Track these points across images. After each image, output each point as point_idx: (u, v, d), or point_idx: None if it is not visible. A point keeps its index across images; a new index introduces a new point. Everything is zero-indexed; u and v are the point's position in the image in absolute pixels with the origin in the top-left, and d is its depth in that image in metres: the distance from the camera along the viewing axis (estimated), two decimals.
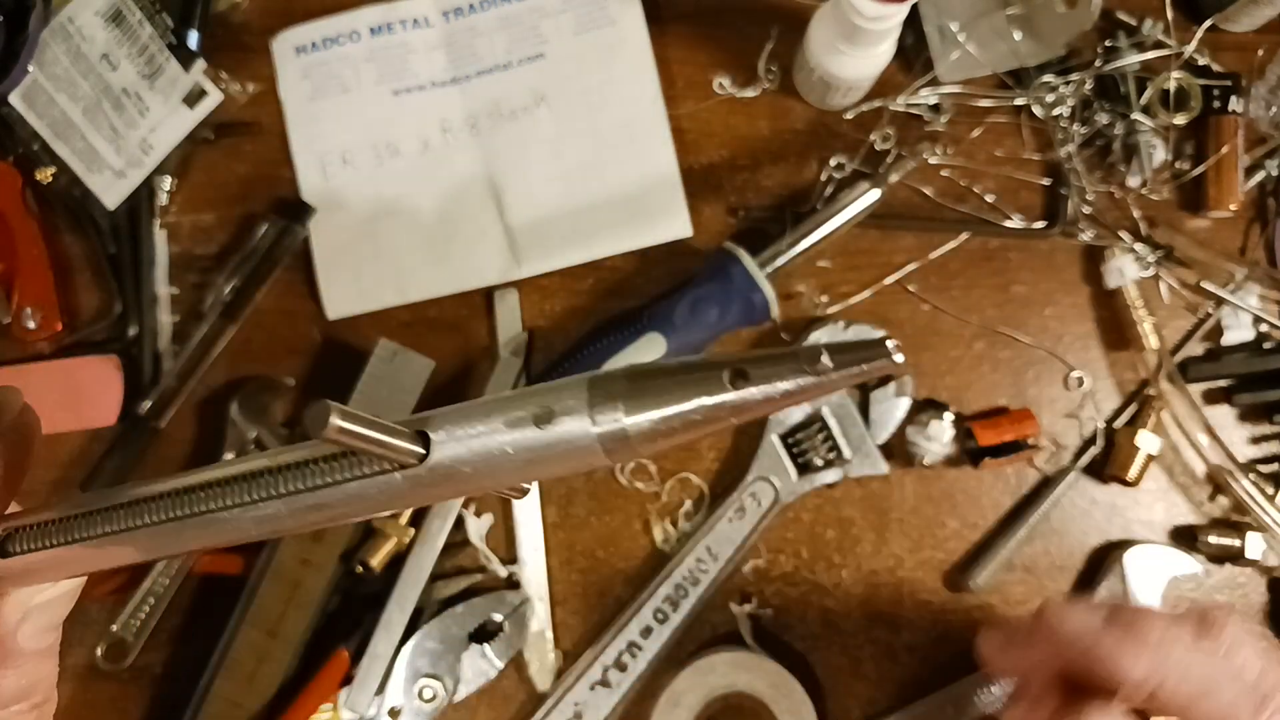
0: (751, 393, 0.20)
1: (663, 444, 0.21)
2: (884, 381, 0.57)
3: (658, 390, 0.21)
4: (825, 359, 0.20)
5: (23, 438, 0.25)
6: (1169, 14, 0.59)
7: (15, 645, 0.26)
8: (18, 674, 0.26)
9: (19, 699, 0.26)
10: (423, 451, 0.22)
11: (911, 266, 0.58)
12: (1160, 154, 0.58)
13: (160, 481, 0.24)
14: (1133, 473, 0.56)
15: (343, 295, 0.58)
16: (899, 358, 0.21)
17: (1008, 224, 0.59)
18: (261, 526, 0.23)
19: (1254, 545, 0.56)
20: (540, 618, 0.56)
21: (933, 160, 0.58)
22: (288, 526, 0.23)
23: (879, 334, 0.57)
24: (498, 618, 0.56)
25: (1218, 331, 0.58)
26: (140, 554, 0.25)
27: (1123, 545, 0.57)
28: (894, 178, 0.56)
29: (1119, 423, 0.58)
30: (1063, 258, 0.59)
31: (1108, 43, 0.59)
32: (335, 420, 0.20)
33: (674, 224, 0.58)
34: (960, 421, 0.57)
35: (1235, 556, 0.56)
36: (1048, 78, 0.58)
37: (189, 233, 0.59)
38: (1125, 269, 0.57)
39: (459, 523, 0.56)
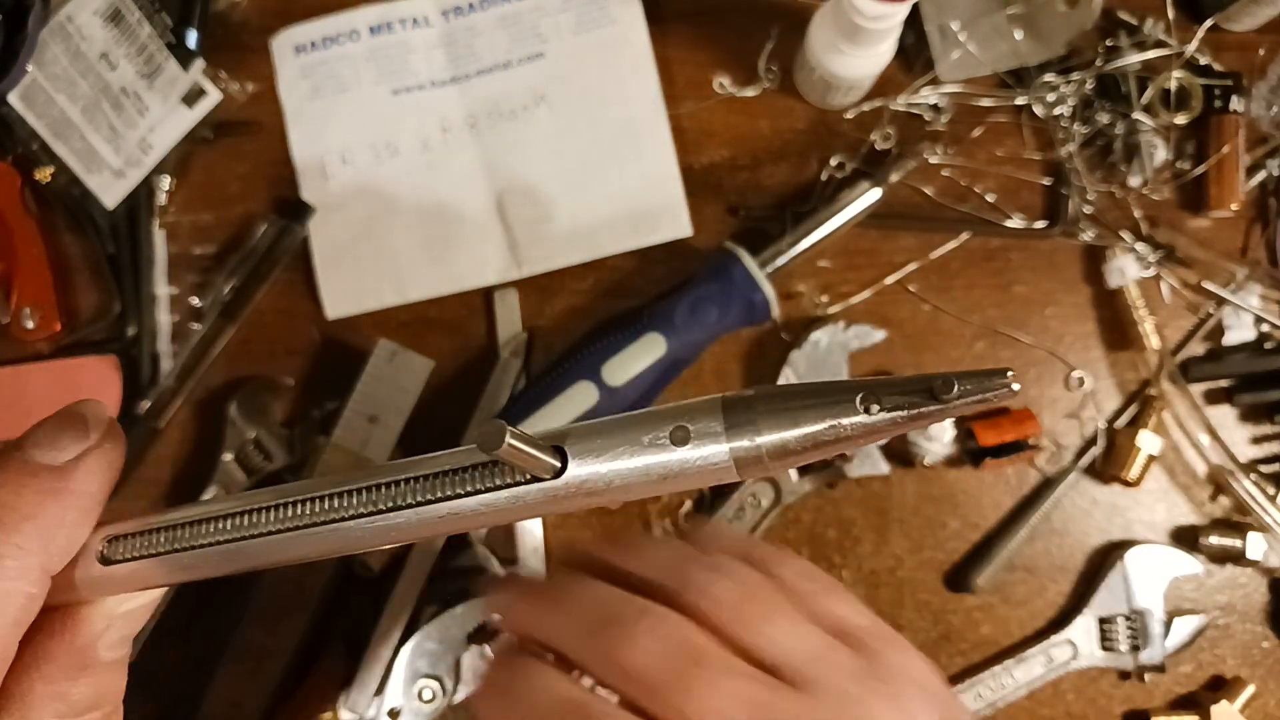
0: (881, 417, 0.21)
1: (793, 462, 0.22)
2: None
3: (790, 411, 0.21)
4: (957, 388, 0.21)
5: (116, 447, 0.25)
6: (1170, 13, 0.59)
7: (95, 655, 0.26)
8: (93, 684, 0.26)
9: (91, 709, 0.26)
10: (559, 466, 0.22)
11: (912, 266, 0.58)
12: (1161, 154, 0.58)
13: (270, 491, 0.24)
14: (1134, 473, 0.56)
15: (342, 295, 0.58)
16: (1016, 387, 0.21)
17: (1008, 224, 0.59)
18: (386, 536, 0.23)
19: (1255, 546, 0.56)
20: None
21: (933, 160, 0.58)
22: (414, 536, 0.23)
23: (880, 333, 0.57)
24: (497, 618, 0.55)
25: (1219, 331, 0.58)
26: (248, 563, 0.24)
27: (1124, 545, 0.57)
28: (894, 177, 0.56)
29: (1120, 423, 0.58)
30: (1064, 257, 0.59)
31: (1109, 42, 0.59)
32: (509, 440, 0.20)
33: (674, 223, 0.58)
34: (961, 422, 0.57)
35: (1236, 557, 0.56)
36: (1049, 77, 0.58)
37: (188, 232, 0.59)
38: (1126, 269, 0.57)
39: None
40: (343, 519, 0.23)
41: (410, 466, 0.23)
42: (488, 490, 0.23)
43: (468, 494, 0.23)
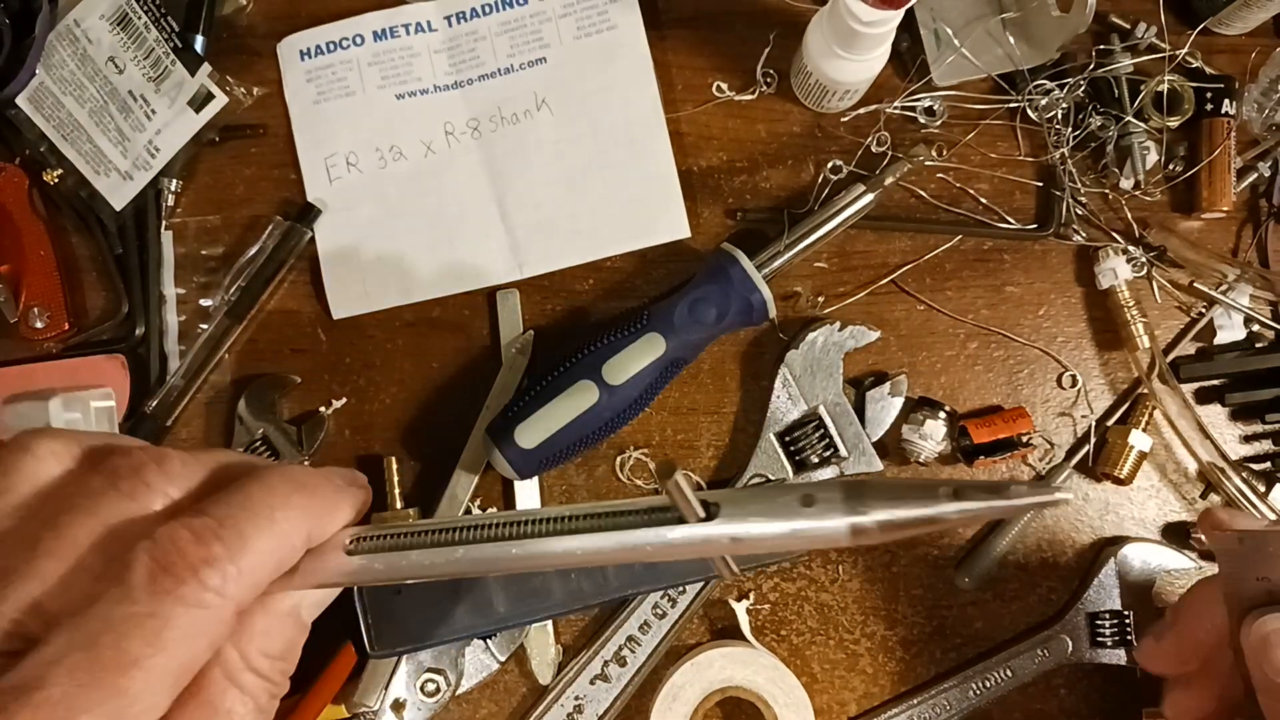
0: (963, 505, 0.27)
1: (892, 536, 0.28)
2: (879, 380, 0.58)
3: (895, 495, 0.27)
4: (1014, 489, 0.27)
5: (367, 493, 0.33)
6: (1162, 17, 0.60)
7: (300, 612, 0.30)
8: (292, 637, 0.30)
9: (283, 658, 0.30)
10: (704, 515, 0.28)
11: (907, 267, 0.59)
12: (1153, 156, 0.59)
13: (488, 515, 0.31)
14: (1125, 471, 0.57)
15: (347, 296, 0.59)
16: (1068, 496, 0.28)
17: (1002, 225, 0.59)
18: (570, 558, 0.29)
19: None
20: None
21: (928, 163, 0.59)
22: (593, 559, 0.29)
23: (875, 333, 0.58)
24: None
25: (1210, 331, 0.59)
26: (460, 567, 0.30)
27: (1116, 542, 0.58)
28: (889, 180, 0.57)
29: (1112, 421, 0.59)
30: (1056, 259, 0.60)
31: (1101, 46, 0.59)
32: (677, 477, 0.27)
33: (673, 225, 0.59)
34: (954, 420, 0.58)
35: None
36: (1042, 81, 0.58)
37: (195, 234, 0.60)
38: (1118, 269, 0.58)
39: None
40: (541, 535, 0.29)
41: (601, 505, 0.29)
42: (658, 524, 0.28)
43: (640, 525, 0.28)
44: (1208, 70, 0.60)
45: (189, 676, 0.26)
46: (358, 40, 0.60)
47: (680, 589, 0.57)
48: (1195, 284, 0.59)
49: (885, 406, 0.57)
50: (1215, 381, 0.59)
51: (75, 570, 0.26)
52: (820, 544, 0.28)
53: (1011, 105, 0.59)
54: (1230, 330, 0.59)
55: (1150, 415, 0.58)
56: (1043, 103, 0.59)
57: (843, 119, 0.60)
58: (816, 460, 0.57)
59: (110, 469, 0.28)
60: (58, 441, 0.29)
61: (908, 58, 0.60)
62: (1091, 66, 0.59)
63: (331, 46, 0.60)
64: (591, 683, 0.56)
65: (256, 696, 0.28)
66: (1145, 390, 0.58)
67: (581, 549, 0.28)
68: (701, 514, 0.28)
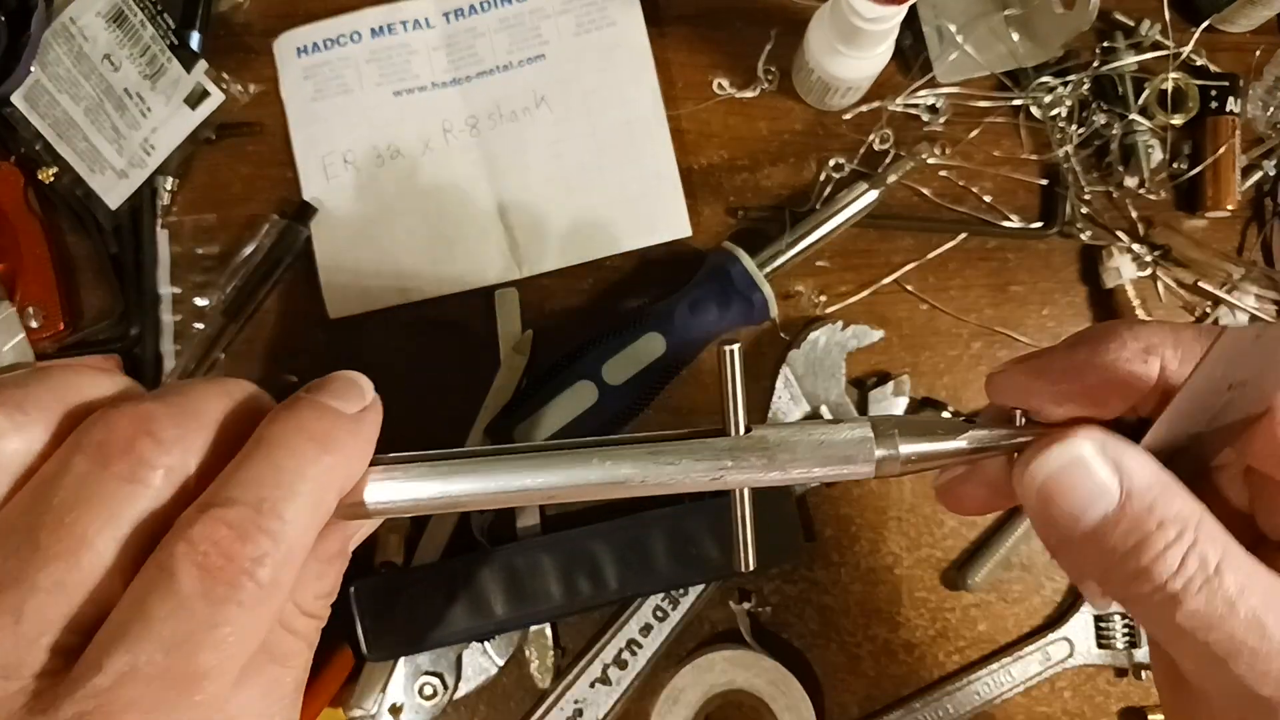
0: (975, 437, 0.29)
1: (911, 446, 0.29)
2: (882, 380, 0.57)
3: (916, 428, 0.29)
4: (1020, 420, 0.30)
5: (380, 410, 0.30)
6: (1166, 15, 0.59)
7: (345, 549, 0.30)
8: (337, 574, 0.29)
9: (329, 595, 0.29)
10: (745, 428, 0.29)
11: (909, 266, 0.59)
12: (1157, 154, 0.58)
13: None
14: None
15: (344, 295, 0.58)
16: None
17: (1005, 224, 0.59)
18: (622, 486, 0.29)
19: None
20: None
21: (931, 161, 0.59)
22: (644, 486, 0.29)
23: (878, 333, 0.57)
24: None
25: None
26: (497, 495, 0.29)
27: None
28: (892, 178, 0.57)
29: None
30: (1060, 258, 0.59)
31: (1105, 44, 0.59)
32: (731, 348, 0.28)
33: (673, 224, 0.58)
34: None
35: None
36: (1045, 79, 0.58)
37: (191, 233, 0.59)
38: (1123, 269, 0.57)
39: (463, 518, 0.57)
40: (590, 452, 0.29)
41: (637, 436, 0.29)
42: (691, 437, 0.29)
43: (674, 439, 0.29)
44: (1212, 68, 0.60)
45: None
46: (355, 37, 0.59)
47: (682, 591, 0.56)
48: (1200, 283, 0.58)
49: (888, 407, 0.57)
50: None
51: (99, 575, 0.24)
52: (844, 464, 0.29)
53: (1015, 103, 0.59)
54: None
55: None
56: (1046, 100, 0.58)
57: (845, 117, 0.59)
58: None
59: (95, 446, 0.24)
60: (12, 413, 0.25)
61: (910, 55, 0.59)
62: (1095, 64, 0.59)
63: (329, 43, 0.59)
64: (591, 686, 0.56)
65: (309, 636, 0.28)
66: None
67: (629, 476, 0.28)
68: (746, 426, 0.29)
